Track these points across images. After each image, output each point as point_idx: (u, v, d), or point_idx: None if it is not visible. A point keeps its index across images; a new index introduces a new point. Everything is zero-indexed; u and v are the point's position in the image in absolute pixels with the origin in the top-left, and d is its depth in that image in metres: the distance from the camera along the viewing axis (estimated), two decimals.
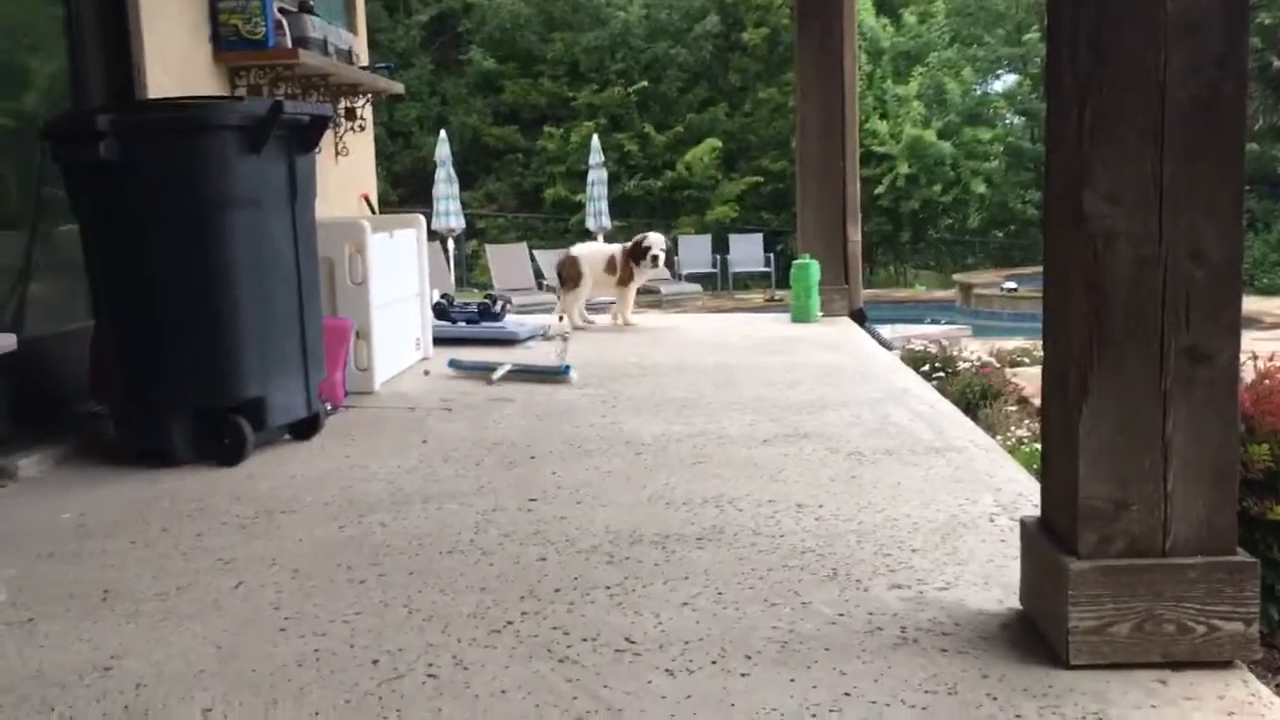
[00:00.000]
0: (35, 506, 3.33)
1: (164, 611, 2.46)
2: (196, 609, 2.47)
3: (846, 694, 1.97)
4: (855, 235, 7.30)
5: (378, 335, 4.82)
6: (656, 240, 6.81)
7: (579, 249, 7.08)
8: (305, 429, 4.03)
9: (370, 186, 7.47)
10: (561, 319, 6.97)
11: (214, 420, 3.72)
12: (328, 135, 6.31)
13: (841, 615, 2.32)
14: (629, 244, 6.83)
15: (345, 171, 7.01)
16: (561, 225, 20.63)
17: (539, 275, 14.84)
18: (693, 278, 16.94)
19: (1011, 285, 16.15)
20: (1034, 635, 2.16)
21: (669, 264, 7.25)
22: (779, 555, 2.62)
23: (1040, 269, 2.19)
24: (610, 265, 6.90)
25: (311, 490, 3.39)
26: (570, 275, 6.97)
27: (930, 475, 3.36)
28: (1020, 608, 2.30)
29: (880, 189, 20.41)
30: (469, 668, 2.13)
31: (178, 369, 3.68)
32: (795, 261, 7.18)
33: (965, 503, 3.02)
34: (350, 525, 3.03)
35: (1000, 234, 22.07)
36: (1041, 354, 2.22)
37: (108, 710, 2.02)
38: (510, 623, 2.30)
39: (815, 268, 7.08)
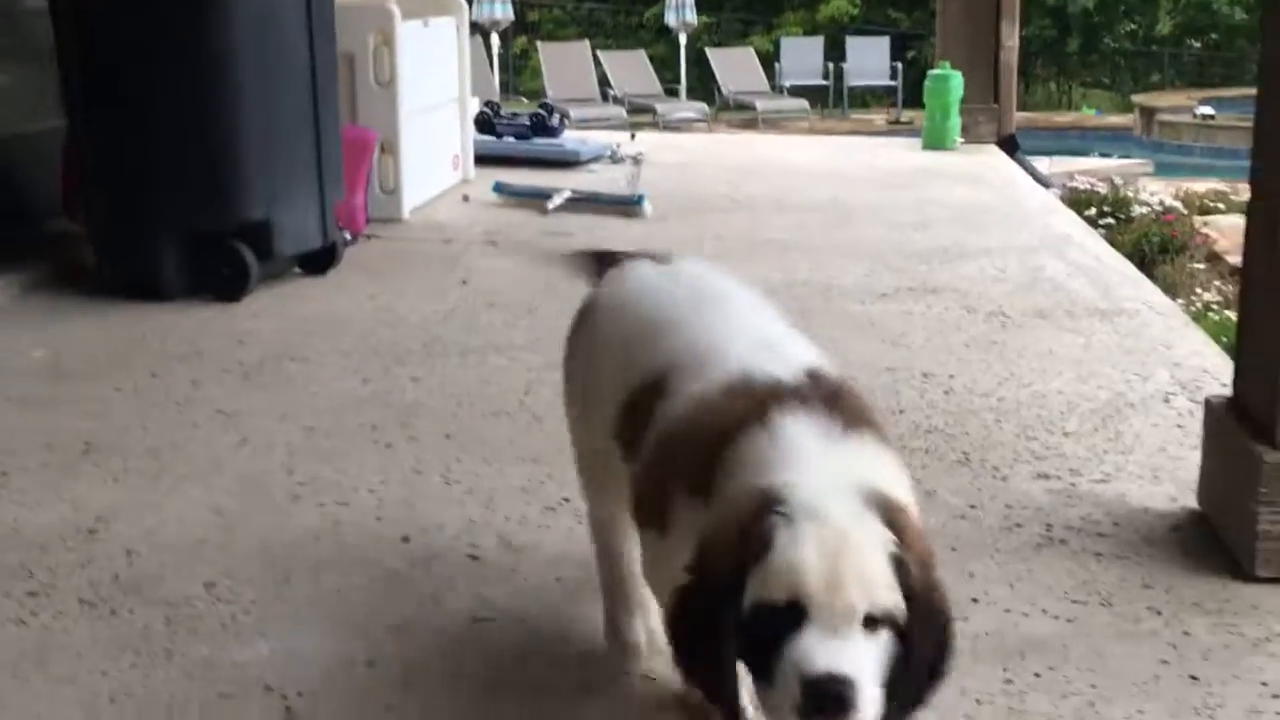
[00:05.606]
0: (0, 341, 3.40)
1: (156, 470, 2.54)
2: (194, 469, 2.54)
3: (975, 600, 2.01)
4: (1011, 39, 7.11)
5: (407, 150, 4.88)
6: None
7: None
8: (320, 261, 4.10)
9: None
10: (633, 137, 6.87)
11: (211, 246, 3.76)
12: None
13: (972, 508, 2.36)
14: None
15: None
16: (635, 19, 20.33)
17: (604, 83, 14.86)
18: (797, 91, 16.16)
19: (1207, 111, 15.55)
20: (1211, 540, 2.19)
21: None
22: (897, 434, 2.63)
23: (1251, 90, 2.13)
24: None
25: (328, 335, 3.45)
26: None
27: (1091, 343, 3.36)
28: (1196, 507, 2.32)
29: None
30: (519, 550, 2.18)
31: (166, 183, 3.70)
32: (931, 72, 7.10)
33: (1134, 378, 3.06)
34: (375, 379, 3.11)
35: (1196, 43, 20.71)
36: (1243, 198, 2.20)
37: (95, 578, 2.10)
38: (567, 499, 2.33)
39: (957, 81, 6.96)
